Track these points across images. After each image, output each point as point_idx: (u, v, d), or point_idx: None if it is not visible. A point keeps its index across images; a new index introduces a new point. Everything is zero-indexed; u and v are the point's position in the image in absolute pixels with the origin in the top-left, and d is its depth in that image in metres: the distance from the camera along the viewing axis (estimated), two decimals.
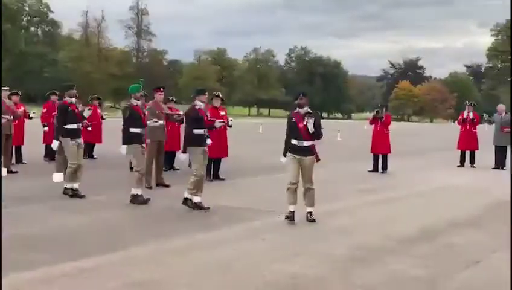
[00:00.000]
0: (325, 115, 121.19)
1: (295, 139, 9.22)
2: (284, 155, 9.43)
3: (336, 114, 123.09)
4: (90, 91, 41.20)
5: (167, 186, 12.59)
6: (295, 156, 9.22)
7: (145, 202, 10.36)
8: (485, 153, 18.83)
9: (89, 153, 17.59)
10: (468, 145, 18.78)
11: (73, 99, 11.41)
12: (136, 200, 10.36)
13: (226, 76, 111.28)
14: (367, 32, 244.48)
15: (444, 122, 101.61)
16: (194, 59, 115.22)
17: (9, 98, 14.85)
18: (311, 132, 9.07)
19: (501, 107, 18.82)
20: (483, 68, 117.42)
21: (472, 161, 18.70)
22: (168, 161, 15.17)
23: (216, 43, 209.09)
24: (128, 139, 10.60)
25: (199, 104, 10.50)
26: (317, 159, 9.43)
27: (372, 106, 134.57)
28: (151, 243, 7.59)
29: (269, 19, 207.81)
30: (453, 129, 25.31)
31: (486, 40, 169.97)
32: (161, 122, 12.82)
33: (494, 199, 12.25)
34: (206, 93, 10.86)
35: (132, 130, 10.62)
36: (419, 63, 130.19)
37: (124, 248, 7.28)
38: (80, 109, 11.55)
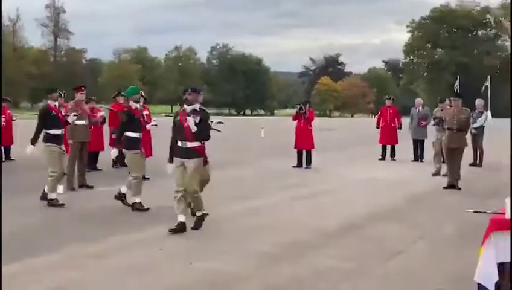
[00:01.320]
0: (248, 112, 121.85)
1: (179, 140, 8.41)
2: (171, 161, 8.60)
3: (259, 111, 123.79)
4: (5, 91, 39.70)
5: (90, 187, 12.32)
6: (179, 159, 8.41)
7: (60, 205, 10.07)
8: (405, 147, 19.37)
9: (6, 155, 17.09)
10: (388, 140, 19.27)
11: (57, 103, 10.80)
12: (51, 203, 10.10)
13: (148, 74, 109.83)
14: (287, 30, 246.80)
15: (364, 117, 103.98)
16: (114, 58, 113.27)
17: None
18: (193, 131, 8.23)
19: (419, 101, 19.37)
20: (400, 64, 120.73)
21: (392, 155, 19.20)
22: (91, 162, 14.85)
23: (136, 41, 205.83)
24: (128, 143, 10.06)
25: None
26: (205, 163, 8.82)
27: (294, 102, 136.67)
28: (73, 246, 7.40)
29: (189, 16, 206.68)
30: (373, 124, 25.91)
31: (403, 36, 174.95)
32: (83, 122, 12.52)
33: (414, 191, 12.60)
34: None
35: (129, 134, 10.04)
36: (340, 59, 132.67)
37: (46, 252, 7.06)
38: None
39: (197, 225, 8.52)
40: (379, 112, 20.38)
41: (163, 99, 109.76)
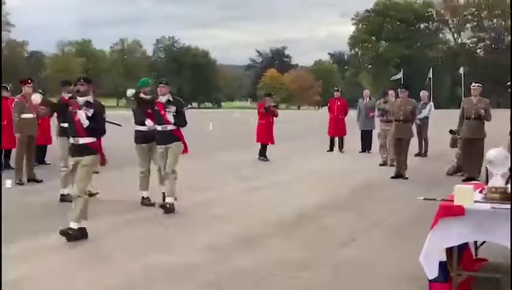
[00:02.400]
0: (195, 104, 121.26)
1: (71, 136, 7.72)
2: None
3: (206, 103, 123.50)
4: None
5: (39, 181, 12.15)
6: (71, 157, 7.73)
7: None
8: (352, 138, 19.71)
9: None
10: (336, 131, 19.55)
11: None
12: None
13: (92, 67, 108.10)
14: (231, 22, 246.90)
15: (310, 109, 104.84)
16: (57, 50, 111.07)
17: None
18: (84, 126, 7.51)
19: (366, 92, 19.74)
20: (346, 56, 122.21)
21: (341, 146, 19.50)
22: (39, 155, 14.64)
23: (80, 33, 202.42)
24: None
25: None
26: (103, 163, 8.00)
27: (241, 94, 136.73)
28: (23, 240, 7.36)
29: (132, 8, 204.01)
30: (320, 116, 26.26)
31: (348, 29, 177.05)
32: (31, 115, 12.31)
33: (364, 181, 12.86)
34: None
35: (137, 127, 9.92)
36: (286, 52, 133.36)
37: None
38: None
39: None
40: (328, 104, 20.64)
41: (108, 93, 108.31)
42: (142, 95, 9.77)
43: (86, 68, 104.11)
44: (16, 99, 12.75)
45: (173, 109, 9.19)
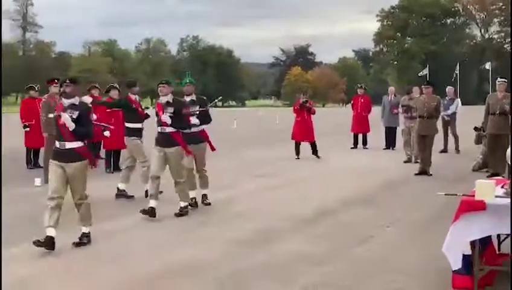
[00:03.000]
0: (219, 103, 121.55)
1: (57, 140, 7.23)
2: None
3: (231, 102, 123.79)
4: None
5: None
6: (57, 162, 7.14)
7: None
8: (376, 135, 19.65)
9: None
10: (360, 128, 19.51)
11: (137, 96, 10.71)
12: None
13: (118, 67, 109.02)
14: (255, 21, 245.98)
15: (335, 107, 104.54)
16: (83, 51, 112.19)
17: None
18: (70, 129, 6.99)
19: (391, 89, 19.62)
20: (370, 53, 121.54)
21: (364, 143, 19.45)
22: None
23: (106, 33, 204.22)
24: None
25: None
26: (93, 165, 7.45)
27: (265, 93, 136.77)
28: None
29: (158, 8, 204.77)
30: (344, 113, 26.25)
31: (372, 25, 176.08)
32: (51, 115, 12.47)
33: (386, 178, 12.82)
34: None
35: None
36: (310, 50, 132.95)
37: (14, 244, 7.13)
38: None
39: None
40: (351, 101, 20.59)
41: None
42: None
43: (112, 68, 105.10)
44: (43, 99, 12.94)
45: (171, 110, 8.80)
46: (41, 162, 13.79)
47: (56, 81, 13.15)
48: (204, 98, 9.94)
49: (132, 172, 10.59)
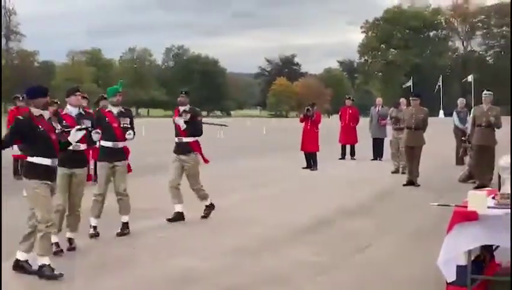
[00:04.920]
0: (204, 113, 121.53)
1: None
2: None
3: (216, 112, 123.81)
4: None
5: None
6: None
7: None
8: (364, 146, 19.86)
9: None
10: (348, 139, 19.72)
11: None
12: None
13: (102, 77, 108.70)
14: (240, 31, 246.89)
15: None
16: (67, 60, 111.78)
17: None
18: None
19: (379, 100, 19.86)
20: (355, 64, 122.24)
21: (352, 154, 19.65)
22: None
23: (90, 43, 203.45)
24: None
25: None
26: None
27: (251, 103, 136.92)
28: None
29: (141, 18, 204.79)
30: (330, 124, 26.43)
31: (357, 36, 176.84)
32: None
33: (376, 188, 13.05)
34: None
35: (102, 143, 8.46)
36: (295, 60, 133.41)
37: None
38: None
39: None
40: (339, 112, 20.79)
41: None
42: (109, 106, 8.61)
43: (96, 77, 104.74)
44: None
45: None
46: None
47: None
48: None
49: None
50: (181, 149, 9.38)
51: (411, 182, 13.26)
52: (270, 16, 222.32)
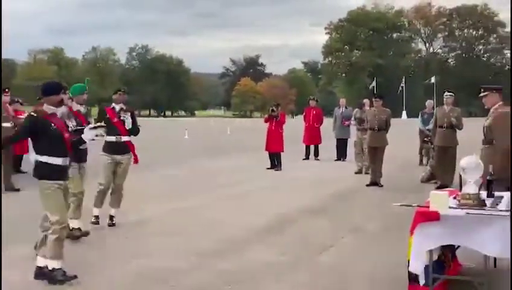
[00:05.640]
0: (168, 113, 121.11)
1: None
2: None
3: (180, 112, 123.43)
4: None
5: (16, 190, 12.17)
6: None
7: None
8: (327, 146, 19.96)
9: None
10: (312, 140, 19.78)
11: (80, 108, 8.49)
12: None
13: (65, 76, 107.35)
14: (205, 31, 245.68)
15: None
16: (28, 58, 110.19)
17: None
18: None
19: (342, 101, 19.99)
20: (319, 65, 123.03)
21: (316, 154, 19.73)
22: (16, 164, 14.62)
23: (52, 41, 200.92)
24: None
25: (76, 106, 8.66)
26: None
27: (215, 103, 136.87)
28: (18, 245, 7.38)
29: (104, 16, 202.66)
30: (294, 124, 26.53)
31: (322, 38, 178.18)
32: (8, 124, 12.28)
33: (340, 188, 13.11)
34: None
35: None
36: (260, 60, 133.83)
37: None
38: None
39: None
40: (303, 113, 20.84)
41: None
42: (74, 104, 8.23)
43: (59, 76, 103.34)
44: None
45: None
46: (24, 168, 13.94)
47: (6, 90, 12.98)
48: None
49: None
50: (118, 149, 8.82)
51: (374, 183, 13.35)
52: (234, 16, 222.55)
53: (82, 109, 8.43)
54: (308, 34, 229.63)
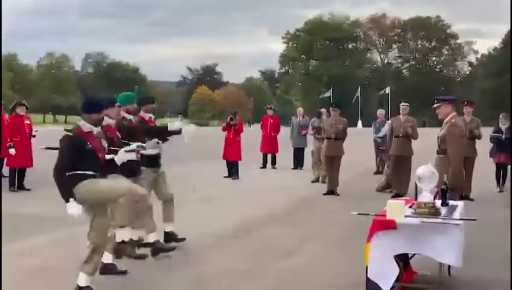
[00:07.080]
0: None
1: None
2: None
3: None
4: None
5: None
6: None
7: None
8: (284, 155, 20.07)
9: None
10: (269, 148, 19.88)
11: (152, 115, 8.41)
12: None
13: (19, 82, 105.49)
14: (161, 38, 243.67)
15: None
16: None
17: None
18: None
19: (300, 110, 20.17)
20: (276, 74, 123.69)
21: (273, 163, 19.83)
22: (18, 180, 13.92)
23: (5, 47, 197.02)
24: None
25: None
26: None
27: (172, 111, 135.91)
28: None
29: (60, 22, 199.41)
30: (251, 133, 26.59)
31: (279, 47, 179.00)
32: None
33: (297, 197, 13.22)
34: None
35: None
36: (217, 69, 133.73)
37: None
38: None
39: None
40: (260, 121, 20.93)
41: (36, 108, 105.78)
42: (125, 114, 7.62)
43: (13, 83, 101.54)
44: None
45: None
46: (26, 184, 13.75)
47: None
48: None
49: None
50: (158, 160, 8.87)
51: (331, 191, 13.48)
52: (192, 24, 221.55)
53: (152, 116, 8.38)
54: (265, 43, 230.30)
